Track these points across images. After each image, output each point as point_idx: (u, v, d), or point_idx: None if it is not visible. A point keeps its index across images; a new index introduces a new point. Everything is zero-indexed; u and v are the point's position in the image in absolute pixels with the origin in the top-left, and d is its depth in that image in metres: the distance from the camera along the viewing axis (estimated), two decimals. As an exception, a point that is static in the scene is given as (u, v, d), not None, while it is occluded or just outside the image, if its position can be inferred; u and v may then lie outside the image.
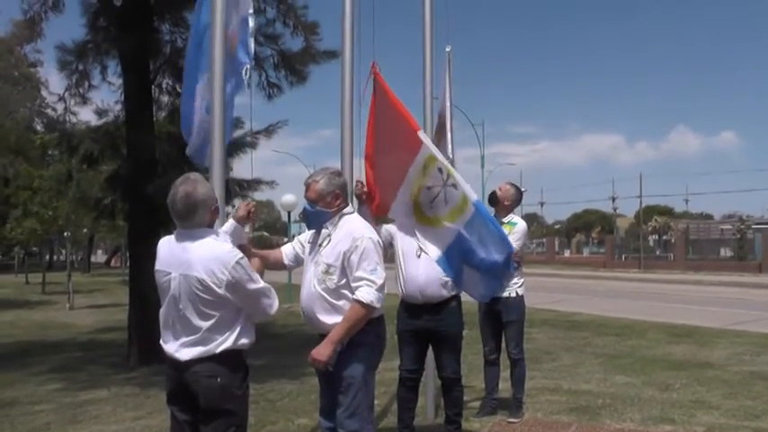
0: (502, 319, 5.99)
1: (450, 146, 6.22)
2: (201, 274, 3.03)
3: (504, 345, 6.14)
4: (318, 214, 3.80)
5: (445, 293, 4.94)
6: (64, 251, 56.88)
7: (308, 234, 4.03)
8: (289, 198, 21.06)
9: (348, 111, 4.87)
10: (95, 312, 18.48)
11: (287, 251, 4.14)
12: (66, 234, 26.70)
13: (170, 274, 3.14)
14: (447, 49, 6.68)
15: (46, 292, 25.90)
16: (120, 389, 7.99)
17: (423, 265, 4.92)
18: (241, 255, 3.13)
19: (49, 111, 47.39)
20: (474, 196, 4.79)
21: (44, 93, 47.36)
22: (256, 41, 10.18)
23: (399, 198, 5.01)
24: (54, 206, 24.14)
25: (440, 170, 4.79)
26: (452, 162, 5.78)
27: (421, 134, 4.83)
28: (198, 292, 3.05)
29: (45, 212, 24.37)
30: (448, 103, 6.45)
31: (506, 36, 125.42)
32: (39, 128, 43.59)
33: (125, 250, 51.93)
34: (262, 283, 3.18)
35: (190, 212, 3.11)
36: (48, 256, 42.22)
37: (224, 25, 3.86)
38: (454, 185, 4.77)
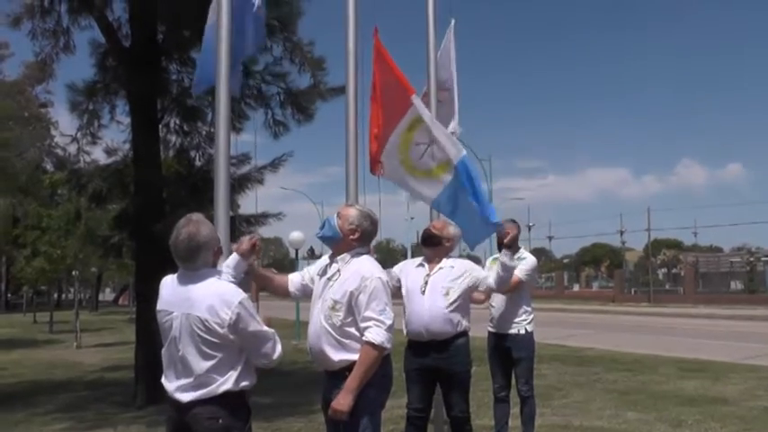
0: (511, 356, 5.93)
1: (456, 116, 6.31)
2: (204, 314, 3.01)
3: (513, 381, 6.08)
4: (333, 230, 3.80)
5: (450, 330, 4.90)
6: (72, 290, 57.13)
7: (317, 267, 4.00)
8: (296, 235, 21.03)
9: (353, 147, 4.91)
10: (102, 351, 18.43)
11: (293, 279, 4.12)
12: (74, 273, 26.76)
13: (172, 313, 3.12)
14: (452, 22, 6.81)
15: (53, 331, 25.87)
16: (126, 428, 7.94)
17: (427, 301, 4.90)
18: (244, 295, 3.11)
19: (58, 150, 48.15)
20: (456, 159, 4.99)
21: (54, 132, 48.12)
22: (263, 80, 10.40)
23: (389, 149, 5.34)
24: (62, 245, 24.27)
25: (427, 131, 5.06)
26: (456, 131, 6.18)
27: (414, 98, 5.01)
28: (200, 332, 3.02)
29: (53, 252, 24.48)
30: (454, 75, 6.51)
31: (511, 69, 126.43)
32: (48, 167, 44.12)
33: (132, 289, 52.21)
34: (264, 327, 3.15)
35: (193, 254, 3.10)
36: (56, 295, 42.21)
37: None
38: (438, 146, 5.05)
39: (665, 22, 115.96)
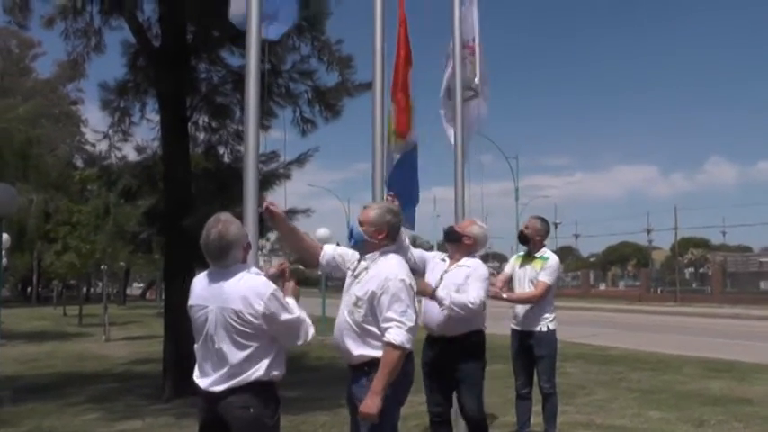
0: (534, 354, 6.00)
1: (478, 74, 6.43)
2: (238, 306, 3.16)
3: (536, 379, 6.14)
4: (360, 237, 3.87)
5: (459, 328, 4.94)
6: (100, 284, 57.94)
7: (353, 256, 4.04)
8: (323, 232, 21.14)
9: (379, 143, 4.99)
10: (130, 344, 18.71)
11: (327, 251, 4.16)
12: (102, 267, 27.17)
13: (206, 307, 3.26)
14: None
15: (83, 324, 26.31)
16: (155, 419, 8.10)
17: None
18: (275, 287, 3.25)
19: (88, 147, 48.90)
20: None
21: (84, 129, 48.90)
22: (291, 78, 10.52)
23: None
24: (92, 240, 24.65)
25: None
26: (477, 88, 6.44)
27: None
28: (235, 324, 3.16)
29: (83, 246, 24.88)
30: (477, 33, 6.60)
31: (539, 66, 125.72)
32: (78, 164, 44.83)
33: (160, 283, 52.82)
34: (296, 313, 3.29)
35: (223, 253, 3.25)
36: (85, 289, 42.90)
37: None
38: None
39: (694, 15, 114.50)
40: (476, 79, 6.47)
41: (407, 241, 4.94)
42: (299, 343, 3.37)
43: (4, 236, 13.59)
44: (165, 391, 9.73)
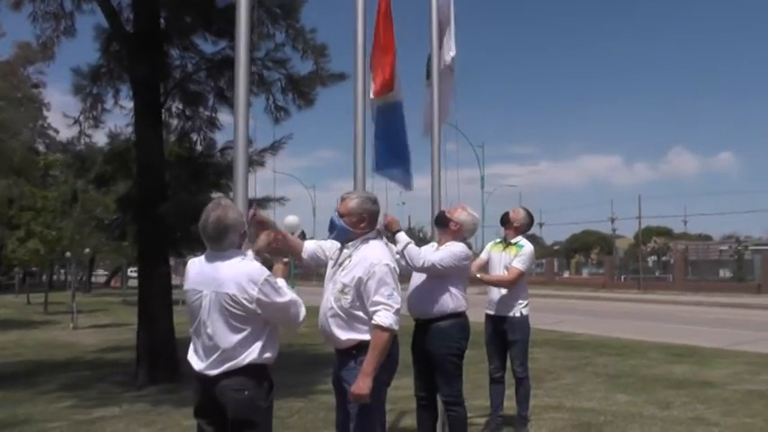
0: (507, 338, 6.17)
1: (453, 46, 6.50)
2: (233, 290, 3.25)
3: (509, 363, 6.32)
4: (343, 229, 3.97)
5: (432, 311, 4.99)
6: (63, 271, 57.03)
7: (333, 246, 4.16)
8: (291, 219, 21.04)
9: (360, 131, 5.03)
10: (99, 332, 18.59)
11: (308, 246, 4.32)
12: (66, 254, 26.80)
13: (201, 292, 3.35)
14: None
15: (48, 312, 25.98)
16: (131, 406, 8.12)
17: (417, 280, 5.09)
18: (269, 272, 3.35)
19: (51, 132, 48.07)
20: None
21: (46, 113, 47.99)
22: (264, 66, 10.53)
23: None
24: (58, 227, 24.33)
25: None
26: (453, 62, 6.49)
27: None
28: (229, 308, 3.26)
29: (48, 233, 24.55)
30: (452, 5, 6.62)
31: (505, 55, 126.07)
32: (41, 148, 44.02)
33: (125, 271, 52.26)
34: (288, 296, 3.39)
35: (221, 236, 3.33)
36: (48, 276, 42.26)
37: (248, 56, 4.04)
38: None
39: (658, 10, 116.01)
40: (450, 52, 6.49)
41: None
42: (295, 326, 3.50)
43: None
44: (138, 378, 9.75)
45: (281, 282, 3.45)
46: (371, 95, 5.48)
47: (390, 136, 5.72)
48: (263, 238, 3.93)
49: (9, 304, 33.17)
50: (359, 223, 3.95)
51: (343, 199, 4.06)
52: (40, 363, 12.57)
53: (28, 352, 14.25)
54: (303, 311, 3.49)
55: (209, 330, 3.32)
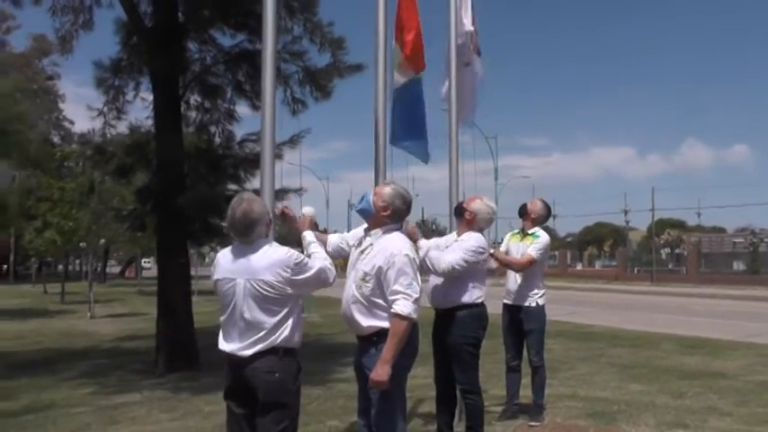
0: (523, 328, 6.29)
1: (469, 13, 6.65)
2: (267, 276, 3.43)
3: (525, 352, 6.43)
4: (368, 205, 4.13)
5: (447, 301, 5.16)
6: (78, 261, 57.54)
7: (353, 235, 4.36)
8: (308, 210, 21.14)
9: (381, 124, 5.13)
10: (116, 321, 18.80)
11: (332, 239, 4.49)
12: (82, 245, 27.02)
13: (234, 280, 3.50)
14: None
15: (65, 302, 26.27)
16: (152, 393, 8.28)
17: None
18: (297, 253, 3.54)
19: (66, 123, 48.43)
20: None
21: (61, 106, 48.35)
22: (281, 59, 10.62)
23: None
24: (75, 217, 24.54)
25: None
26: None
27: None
28: (265, 293, 3.44)
29: (65, 224, 24.78)
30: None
31: (517, 47, 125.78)
32: (56, 140, 44.38)
33: (139, 261, 52.67)
34: (317, 265, 3.59)
35: (248, 229, 3.50)
36: (64, 267, 42.67)
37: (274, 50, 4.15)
38: None
39: (672, 2, 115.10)
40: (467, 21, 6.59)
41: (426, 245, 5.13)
42: (329, 285, 3.73)
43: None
44: (158, 366, 9.90)
45: (308, 237, 3.87)
46: (398, 73, 5.61)
47: (407, 109, 5.85)
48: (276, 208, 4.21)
49: (27, 294, 33.57)
50: (383, 210, 4.08)
51: (383, 183, 4.29)
52: (60, 351, 12.76)
53: (47, 340, 14.46)
54: (333, 272, 3.69)
55: (245, 315, 3.47)
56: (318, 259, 3.67)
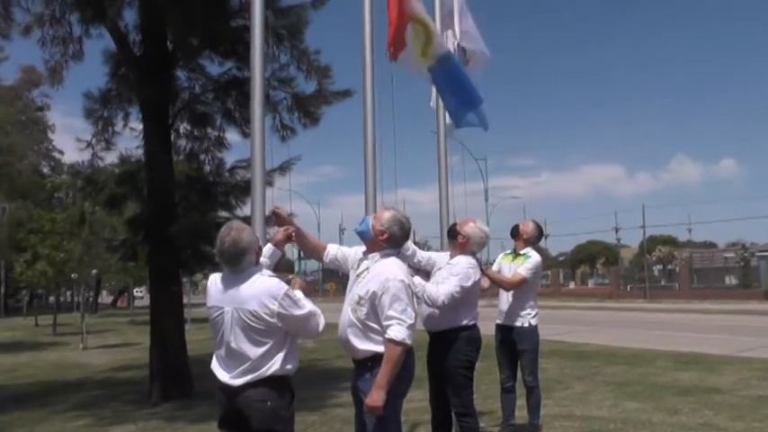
0: (516, 348, 6.29)
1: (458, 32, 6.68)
2: (254, 307, 3.40)
3: (519, 373, 6.43)
4: (366, 228, 4.14)
5: (438, 324, 5.17)
6: (69, 293, 57.10)
7: (354, 251, 4.35)
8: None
9: (370, 150, 5.15)
10: (108, 352, 18.64)
11: (331, 249, 4.48)
12: (73, 276, 26.89)
13: (222, 309, 3.50)
14: None
15: (57, 333, 26.04)
16: (146, 423, 8.21)
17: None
18: (287, 287, 3.49)
19: (56, 154, 48.37)
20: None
21: (51, 136, 48.31)
22: (270, 86, 10.70)
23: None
24: (66, 248, 24.44)
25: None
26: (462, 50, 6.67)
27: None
28: (251, 323, 3.40)
29: (56, 255, 24.66)
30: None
31: (504, 68, 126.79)
32: (46, 170, 44.32)
33: (131, 291, 52.31)
34: (307, 307, 3.53)
35: (238, 259, 3.49)
36: (55, 298, 42.35)
37: (263, 79, 4.19)
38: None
39: (658, 19, 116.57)
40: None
41: (413, 248, 5.22)
42: (315, 335, 3.66)
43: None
44: (152, 395, 9.83)
45: (299, 294, 3.58)
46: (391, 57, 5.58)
47: (453, 87, 5.92)
48: (280, 232, 4.09)
49: (18, 326, 33.23)
50: (380, 234, 4.09)
51: (384, 208, 4.28)
52: (53, 383, 12.64)
53: (40, 373, 14.32)
54: (323, 321, 3.63)
55: (232, 344, 3.45)
56: (311, 304, 3.62)
